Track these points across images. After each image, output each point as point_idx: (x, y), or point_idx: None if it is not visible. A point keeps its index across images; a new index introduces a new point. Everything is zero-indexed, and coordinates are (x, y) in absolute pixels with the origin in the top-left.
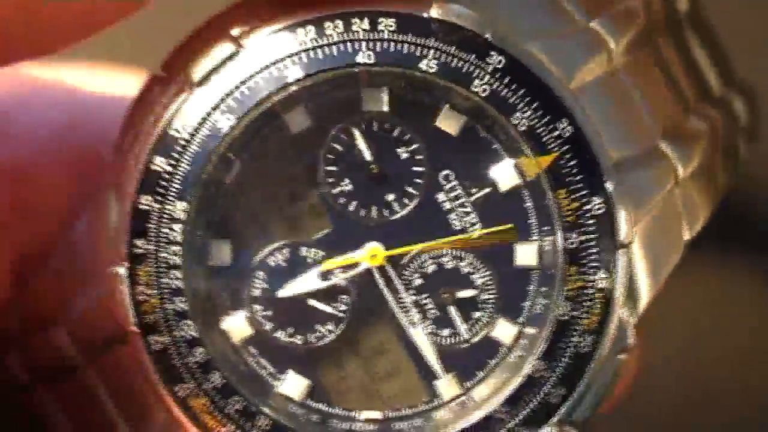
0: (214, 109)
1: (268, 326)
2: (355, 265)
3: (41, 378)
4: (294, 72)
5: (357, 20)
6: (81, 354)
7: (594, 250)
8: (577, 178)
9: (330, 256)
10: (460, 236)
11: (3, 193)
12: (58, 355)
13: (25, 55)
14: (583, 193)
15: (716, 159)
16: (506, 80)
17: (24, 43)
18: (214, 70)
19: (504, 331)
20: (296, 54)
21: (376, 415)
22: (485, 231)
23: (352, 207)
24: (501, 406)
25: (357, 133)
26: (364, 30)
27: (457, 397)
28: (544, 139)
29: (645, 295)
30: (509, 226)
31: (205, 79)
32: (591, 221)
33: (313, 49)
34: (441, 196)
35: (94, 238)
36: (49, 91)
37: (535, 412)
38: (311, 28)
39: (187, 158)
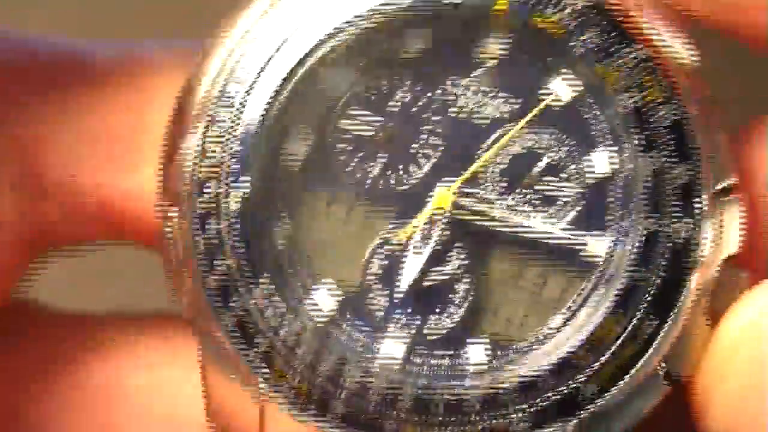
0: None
1: (418, 324)
2: (436, 218)
3: None
4: None
5: None
6: None
7: None
8: None
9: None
10: (505, 127)
11: None
12: None
13: None
14: None
15: None
16: None
17: None
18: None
19: (602, 160)
20: None
21: (562, 317)
22: (526, 118)
23: (393, 180)
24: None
25: (355, 111)
26: None
27: (613, 246)
28: None
29: None
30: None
31: None
32: None
33: None
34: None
35: None
36: None
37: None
38: None
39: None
